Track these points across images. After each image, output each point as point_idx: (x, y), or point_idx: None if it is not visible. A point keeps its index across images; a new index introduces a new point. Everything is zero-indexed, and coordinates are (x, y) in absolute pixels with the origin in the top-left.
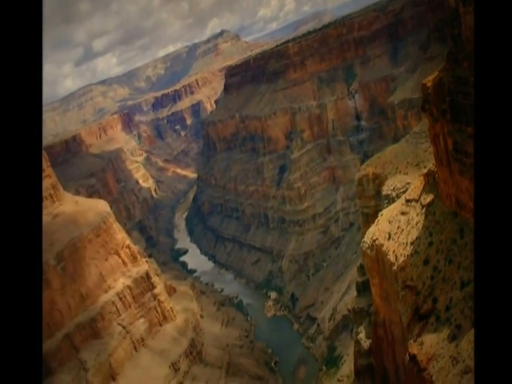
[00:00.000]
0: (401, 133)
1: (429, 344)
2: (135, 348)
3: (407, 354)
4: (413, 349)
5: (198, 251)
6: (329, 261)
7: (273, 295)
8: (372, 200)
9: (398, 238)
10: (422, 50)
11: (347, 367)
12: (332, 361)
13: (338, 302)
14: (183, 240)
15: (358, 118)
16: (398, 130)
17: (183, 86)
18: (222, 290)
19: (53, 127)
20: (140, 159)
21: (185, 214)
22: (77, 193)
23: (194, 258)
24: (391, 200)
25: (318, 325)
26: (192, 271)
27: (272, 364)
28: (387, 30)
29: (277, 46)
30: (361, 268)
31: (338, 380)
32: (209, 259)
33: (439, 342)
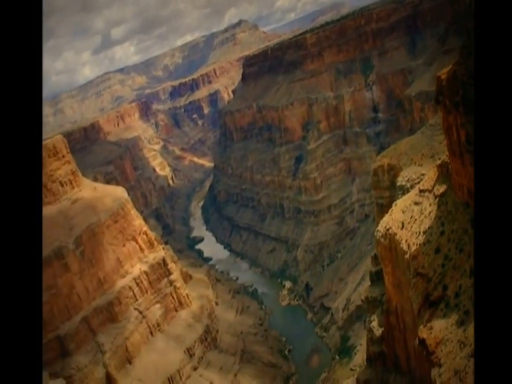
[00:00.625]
0: (418, 125)
1: (438, 329)
2: (151, 333)
3: (417, 338)
4: (422, 333)
5: (214, 239)
6: (344, 252)
7: (287, 284)
8: (387, 191)
9: (411, 227)
10: (440, 43)
11: (360, 357)
12: (345, 351)
13: (352, 292)
14: (199, 228)
15: (375, 109)
16: (414, 123)
17: (200, 75)
18: (237, 278)
19: (71, 114)
20: (157, 147)
21: (201, 203)
22: (95, 180)
23: (210, 247)
24: (405, 190)
25: (332, 314)
26: (207, 259)
27: (286, 352)
28: (405, 22)
29: (295, 36)
30: (375, 257)
31: (351, 370)
32: (224, 247)
33: (448, 327)
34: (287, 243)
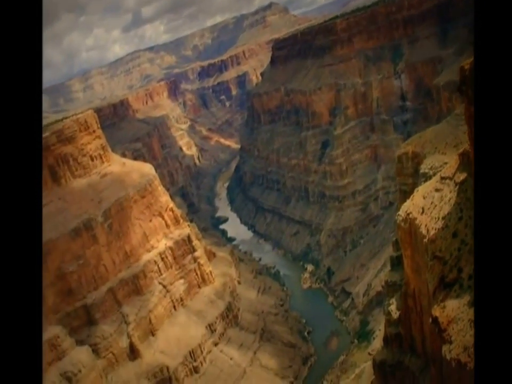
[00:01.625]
0: (445, 115)
1: (451, 308)
2: (174, 307)
3: (430, 317)
4: (436, 312)
5: (238, 220)
6: (366, 238)
7: (309, 267)
8: (410, 178)
9: (431, 212)
10: (472, 34)
11: (378, 341)
12: (364, 335)
13: (373, 278)
14: (223, 208)
15: (403, 98)
16: (442, 112)
17: (229, 57)
18: (260, 259)
19: (101, 91)
20: (184, 126)
21: (227, 184)
22: (123, 156)
23: (234, 227)
24: (428, 178)
25: (352, 299)
26: (231, 239)
27: (305, 333)
28: (437, 11)
29: (325, 21)
30: (396, 243)
31: (369, 354)
32: (248, 229)
33: (460, 307)
34: (310, 227)
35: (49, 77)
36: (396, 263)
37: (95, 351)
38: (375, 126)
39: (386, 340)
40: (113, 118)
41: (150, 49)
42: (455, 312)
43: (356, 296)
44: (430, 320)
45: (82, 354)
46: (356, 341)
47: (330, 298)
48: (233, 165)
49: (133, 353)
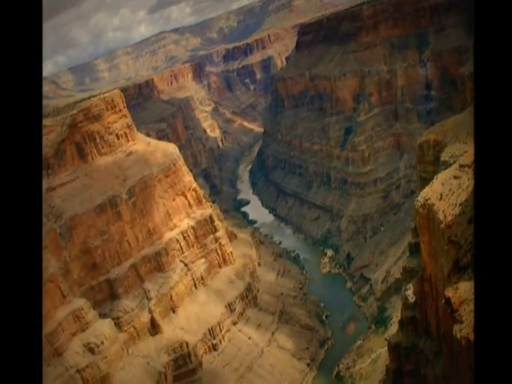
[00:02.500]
0: (469, 104)
1: (463, 290)
2: (195, 285)
3: (443, 297)
4: (449, 292)
5: (260, 203)
6: (387, 225)
7: (329, 252)
8: (430, 166)
9: (449, 199)
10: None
11: (395, 328)
12: (381, 321)
13: (392, 265)
14: (245, 191)
15: (428, 87)
16: (466, 102)
17: (255, 40)
18: (280, 243)
19: (126, 70)
20: (208, 109)
21: (249, 167)
22: (148, 135)
23: (255, 210)
24: (448, 166)
25: (371, 285)
26: (252, 222)
27: (323, 317)
28: (465, 0)
29: (351, 7)
30: (415, 229)
31: (386, 340)
32: (269, 212)
33: (472, 288)
34: (331, 212)
35: (75, 56)
36: (414, 249)
37: (117, 325)
38: (399, 114)
39: (402, 323)
40: (138, 98)
41: (175, 30)
42: (467, 293)
43: (374, 283)
44: (443, 300)
45: (105, 327)
46: (373, 326)
47: (348, 284)
48: (256, 149)
49: (154, 328)
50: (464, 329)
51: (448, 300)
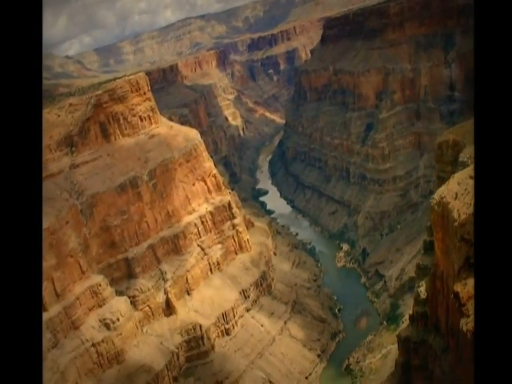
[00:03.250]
0: None
1: (471, 286)
2: (211, 270)
3: (452, 292)
4: (458, 287)
5: (278, 194)
6: (404, 224)
7: (345, 247)
8: (449, 166)
9: (464, 198)
10: None
11: (407, 325)
12: (393, 318)
13: (407, 264)
14: (264, 181)
15: (451, 87)
16: None
17: (280, 31)
18: (296, 234)
19: (150, 54)
20: (230, 97)
21: (269, 157)
22: (170, 120)
23: (274, 200)
24: (465, 166)
25: (385, 282)
26: (270, 212)
27: (336, 310)
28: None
29: (378, 3)
30: (430, 228)
31: (397, 336)
32: (287, 203)
33: None
34: (349, 207)
35: (101, 37)
36: (429, 247)
37: (133, 303)
38: (421, 113)
39: (412, 318)
40: (162, 83)
41: (201, 17)
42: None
43: (388, 280)
44: (452, 295)
45: (121, 304)
46: (385, 322)
47: (363, 279)
48: (276, 140)
49: (169, 309)
50: (470, 323)
51: (456, 294)
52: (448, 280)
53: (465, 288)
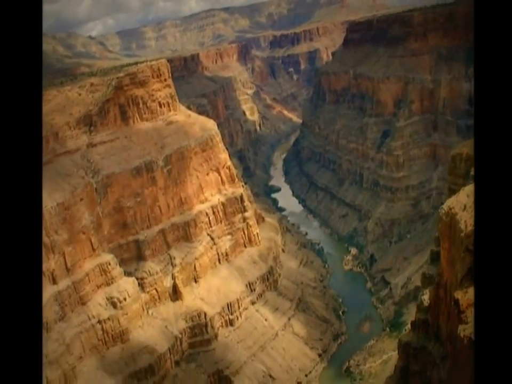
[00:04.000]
0: None
1: (472, 294)
2: (219, 260)
3: (453, 299)
4: (458, 295)
5: (290, 192)
6: (413, 233)
7: (353, 251)
8: (460, 179)
9: (472, 211)
10: None
11: None
12: (396, 325)
13: (414, 273)
14: (277, 178)
15: (470, 102)
16: None
17: (303, 31)
18: (306, 234)
19: (173, 42)
20: (249, 92)
21: (284, 155)
22: (188, 109)
23: (285, 198)
24: None
25: (391, 289)
26: (281, 209)
27: (340, 312)
28: None
29: (403, 11)
30: (437, 238)
31: (398, 341)
32: (299, 202)
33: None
34: (360, 211)
35: (124, 20)
36: (436, 257)
37: (140, 285)
38: (438, 125)
39: (414, 324)
40: (183, 71)
41: (225, 9)
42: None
43: (394, 287)
44: (452, 302)
45: (129, 285)
46: (387, 329)
47: (369, 284)
48: (292, 138)
49: (175, 294)
50: (468, 329)
51: (456, 301)
52: (451, 289)
53: (466, 296)
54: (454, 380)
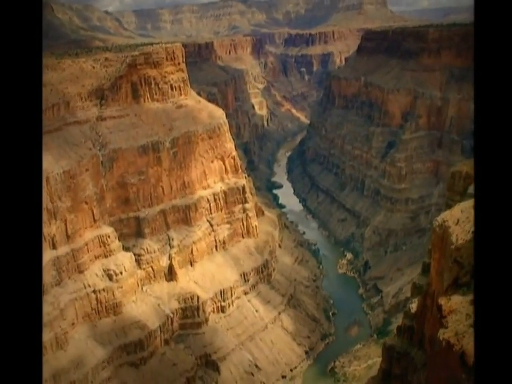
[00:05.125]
0: None
1: (454, 302)
2: (216, 247)
3: (436, 304)
4: (441, 301)
5: (292, 190)
6: (409, 245)
7: (349, 255)
8: (458, 196)
9: (464, 225)
10: None
11: None
12: (384, 333)
13: (406, 284)
14: (280, 175)
15: None
16: None
17: (318, 33)
18: (303, 233)
19: (188, 28)
20: (260, 86)
21: (289, 153)
22: (198, 95)
23: (286, 196)
24: (472, 198)
25: (382, 297)
26: (281, 206)
27: (330, 313)
28: None
29: (419, 26)
30: (429, 251)
31: (383, 344)
32: (299, 201)
33: (463, 302)
34: (358, 218)
35: None
36: (427, 269)
37: (137, 261)
38: (443, 142)
39: (400, 329)
40: (196, 57)
41: (243, 2)
42: (457, 305)
43: (385, 295)
44: (436, 307)
45: (126, 259)
46: (375, 336)
47: (361, 290)
48: (298, 138)
49: (170, 274)
50: (447, 333)
51: (439, 307)
52: (437, 299)
53: (449, 302)
54: (430, 381)
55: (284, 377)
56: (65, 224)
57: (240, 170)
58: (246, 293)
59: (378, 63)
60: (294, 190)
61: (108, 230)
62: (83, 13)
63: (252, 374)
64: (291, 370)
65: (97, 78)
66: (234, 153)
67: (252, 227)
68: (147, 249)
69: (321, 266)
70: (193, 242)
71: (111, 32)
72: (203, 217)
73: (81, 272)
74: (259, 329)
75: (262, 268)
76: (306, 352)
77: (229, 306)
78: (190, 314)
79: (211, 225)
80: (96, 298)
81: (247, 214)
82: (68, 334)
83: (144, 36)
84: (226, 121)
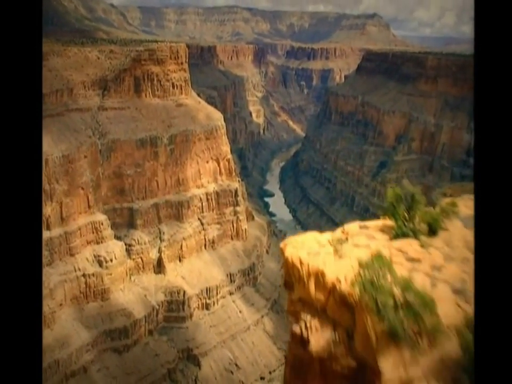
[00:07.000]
0: None
1: None
2: (205, 246)
3: None
4: None
5: (283, 200)
6: None
7: None
8: None
9: None
10: None
11: None
12: None
13: None
14: (272, 184)
15: (468, 153)
16: None
17: (320, 48)
18: None
19: (191, 29)
20: (259, 95)
21: (282, 163)
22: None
23: (277, 205)
24: None
25: None
26: (271, 214)
27: None
28: None
29: (419, 52)
30: None
31: None
32: (290, 211)
33: None
34: None
35: None
36: None
37: (128, 251)
38: (434, 168)
39: None
40: (198, 60)
41: (249, 9)
42: None
43: None
44: None
45: (117, 248)
46: None
47: None
48: (293, 149)
49: (159, 267)
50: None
51: None
52: None
53: None
54: None
55: (262, 378)
56: (61, 207)
57: (234, 174)
58: (231, 293)
59: (376, 84)
60: (285, 200)
61: (101, 217)
62: (88, 3)
63: (232, 372)
64: (270, 372)
65: (102, 68)
66: (229, 156)
67: (242, 230)
68: (138, 240)
69: None
70: (183, 238)
71: (115, 25)
72: (194, 215)
73: (72, 255)
74: (241, 330)
75: (248, 271)
76: (285, 357)
77: (214, 304)
78: (175, 308)
79: (202, 224)
80: (85, 282)
81: (237, 217)
82: (55, 313)
83: (147, 32)
84: (224, 124)
